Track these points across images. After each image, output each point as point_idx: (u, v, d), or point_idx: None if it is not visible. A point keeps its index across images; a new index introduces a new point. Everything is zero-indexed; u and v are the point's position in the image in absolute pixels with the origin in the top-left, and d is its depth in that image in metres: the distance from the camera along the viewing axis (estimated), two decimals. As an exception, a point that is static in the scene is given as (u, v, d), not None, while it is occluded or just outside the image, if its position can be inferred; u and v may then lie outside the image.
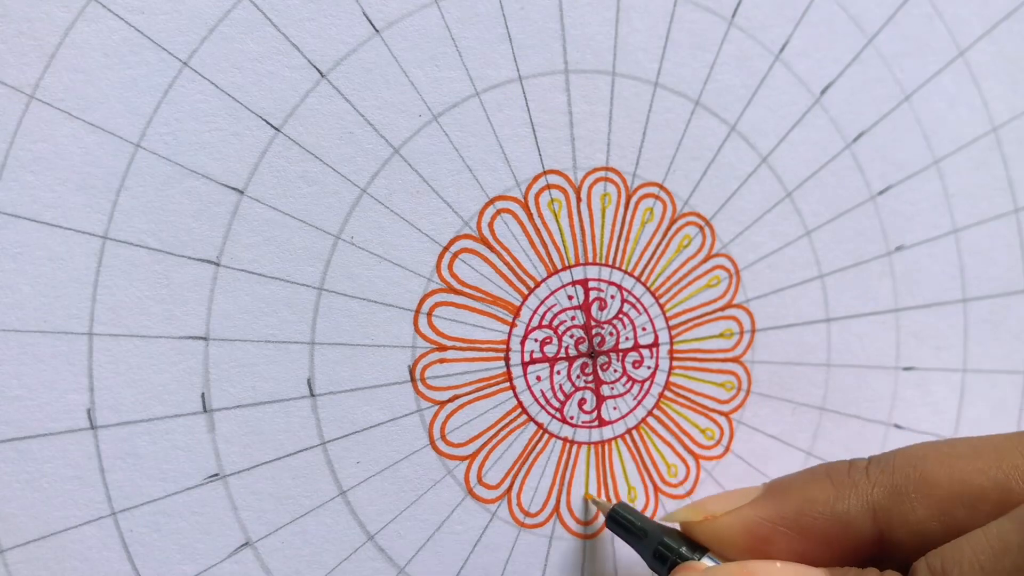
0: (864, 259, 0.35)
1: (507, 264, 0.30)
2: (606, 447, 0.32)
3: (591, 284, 0.31)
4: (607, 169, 0.31)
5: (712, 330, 0.33)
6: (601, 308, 0.31)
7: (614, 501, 0.31)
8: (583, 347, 0.31)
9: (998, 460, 0.25)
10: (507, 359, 0.30)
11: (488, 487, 0.30)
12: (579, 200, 0.31)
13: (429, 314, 0.29)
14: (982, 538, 0.23)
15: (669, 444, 0.32)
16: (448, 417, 0.29)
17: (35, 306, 0.26)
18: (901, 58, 0.35)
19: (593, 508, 0.31)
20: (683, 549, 0.27)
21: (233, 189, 0.27)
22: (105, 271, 0.26)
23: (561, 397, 0.31)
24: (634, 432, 0.32)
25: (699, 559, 0.27)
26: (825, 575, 0.24)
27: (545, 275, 0.31)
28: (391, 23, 0.29)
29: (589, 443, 0.31)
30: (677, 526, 0.28)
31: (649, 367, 0.32)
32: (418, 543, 0.29)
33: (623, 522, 0.29)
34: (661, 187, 0.32)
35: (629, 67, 0.31)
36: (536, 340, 0.31)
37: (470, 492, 0.30)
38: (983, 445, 0.25)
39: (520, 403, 0.30)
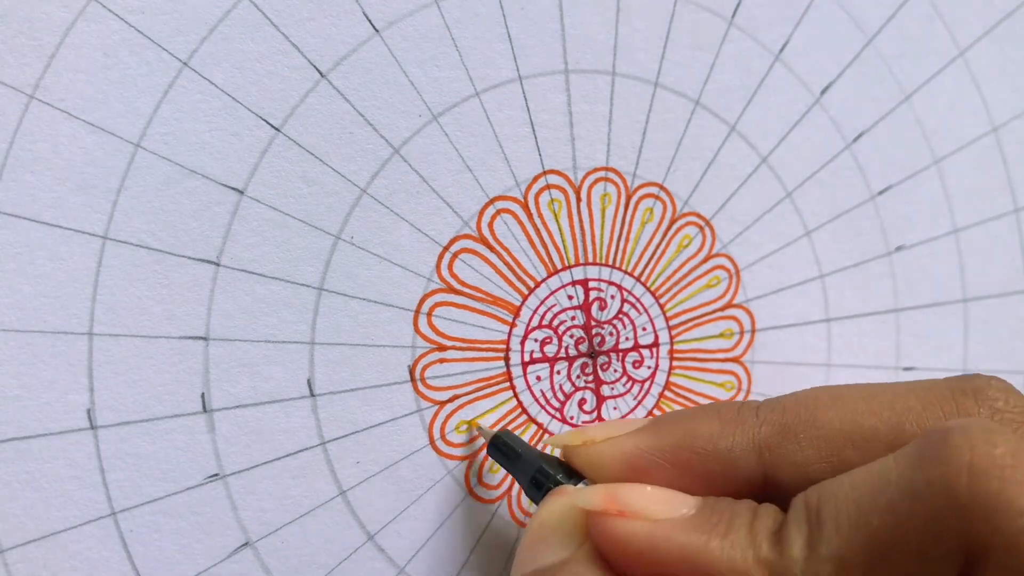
0: (864, 259, 0.35)
1: (507, 264, 0.30)
2: (606, 447, 0.31)
3: (591, 284, 0.31)
4: (607, 169, 0.31)
5: (712, 330, 0.33)
6: (601, 308, 0.31)
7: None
8: (583, 347, 0.31)
9: (892, 402, 0.24)
10: (507, 359, 0.30)
11: (488, 487, 0.30)
12: (579, 200, 0.31)
13: (429, 314, 0.29)
14: (863, 474, 0.21)
15: (669, 444, 0.32)
16: (448, 417, 0.29)
17: (35, 306, 0.26)
18: (901, 58, 0.35)
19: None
20: (559, 476, 0.26)
21: (233, 189, 0.27)
22: (105, 271, 0.26)
23: (561, 397, 0.31)
24: (634, 432, 0.32)
25: (575, 485, 0.26)
26: (698, 503, 0.23)
27: (545, 275, 0.31)
28: (391, 23, 0.29)
29: (589, 443, 0.31)
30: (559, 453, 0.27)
31: (649, 367, 0.32)
32: (418, 543, 0.29)
33: (503, 448, 0.28)
34: (661, 187, 0.32)
35: (629, 67, 0.31)
36: (536, 340, 0.31)
37: (470, 492, 0.30)
38: (878, 389, 0.24)
39: (520, 403, 0.30)
